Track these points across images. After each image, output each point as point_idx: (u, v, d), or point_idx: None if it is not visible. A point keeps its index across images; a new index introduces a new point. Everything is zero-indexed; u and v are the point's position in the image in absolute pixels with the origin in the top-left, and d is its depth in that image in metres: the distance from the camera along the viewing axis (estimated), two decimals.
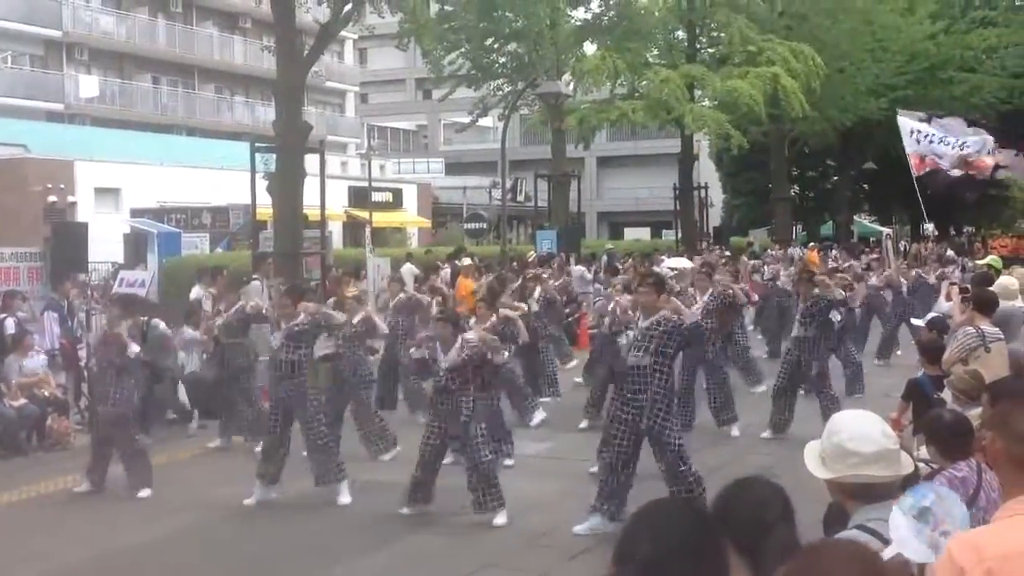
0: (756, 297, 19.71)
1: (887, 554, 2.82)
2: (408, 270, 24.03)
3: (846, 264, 23.98)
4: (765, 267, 25.92)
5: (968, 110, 42.75)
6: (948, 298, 12.95)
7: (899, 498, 3.22)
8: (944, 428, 5.39)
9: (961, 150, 24.52)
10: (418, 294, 14.90)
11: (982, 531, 2.60)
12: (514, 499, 9.13)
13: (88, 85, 43.97)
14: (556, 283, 19.43)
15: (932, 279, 21.01)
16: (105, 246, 23.85)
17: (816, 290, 12.62)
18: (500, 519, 8.92)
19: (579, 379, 16.08)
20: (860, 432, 3.26)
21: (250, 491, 9.95)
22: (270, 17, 21.00)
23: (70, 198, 33.37)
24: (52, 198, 32.44)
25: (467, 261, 23.58)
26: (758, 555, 2.88)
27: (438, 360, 9.30)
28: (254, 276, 15.80)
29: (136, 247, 26.41)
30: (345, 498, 9.81)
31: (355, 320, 11.86)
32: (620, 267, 26.26)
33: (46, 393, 12.94)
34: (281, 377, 9.98)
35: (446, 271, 22.39)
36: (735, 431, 12.60)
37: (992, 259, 18.23)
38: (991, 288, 9.77)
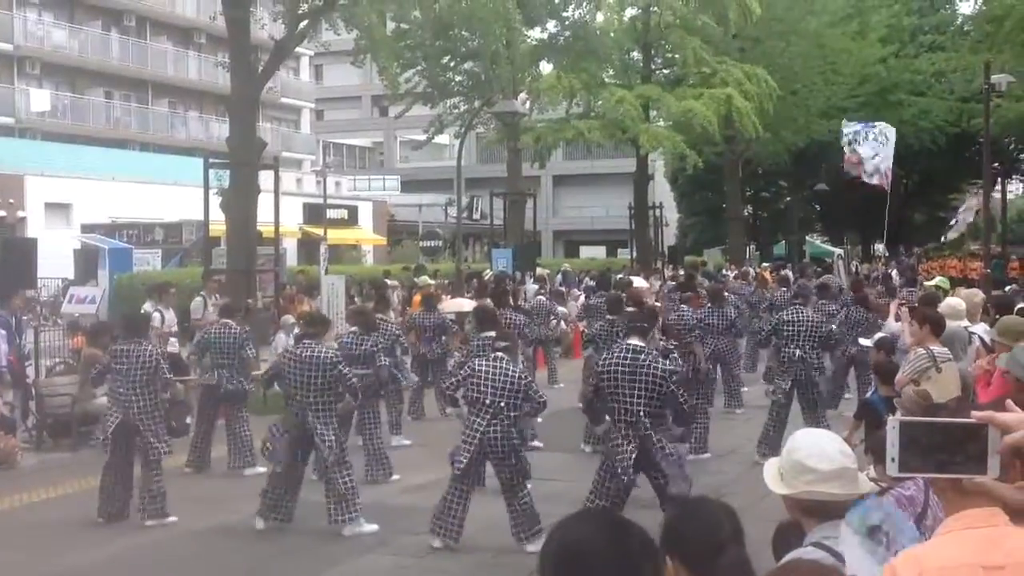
0: None
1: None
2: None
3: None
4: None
5: (918, 133, 43.52)
6: (896, 318, 13.13)
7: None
8: None
9: (876, 160, 26.77)
10: None
11: (923, 546, 2.66)
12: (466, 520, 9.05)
13: (40, 99, 43.46)
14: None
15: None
16: (55, 262, 23.55)
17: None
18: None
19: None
20: (818, 450, 3.30)
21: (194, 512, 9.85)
22: (225, 32, 20.84)
23: (20, 213, 32.97)
24: (2, 212, 32.05)
25: (427, 280, 23.55)
26: (710, 575, 2.88)
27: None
28: (200, 293, 15.69)
29: (87, 263, 26.10)
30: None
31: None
32: (564, 292, 26.24)
33: None
34: None
35: (402, 292, 22.31)
36: None
37: (940, 280, 18.45)
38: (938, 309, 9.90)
